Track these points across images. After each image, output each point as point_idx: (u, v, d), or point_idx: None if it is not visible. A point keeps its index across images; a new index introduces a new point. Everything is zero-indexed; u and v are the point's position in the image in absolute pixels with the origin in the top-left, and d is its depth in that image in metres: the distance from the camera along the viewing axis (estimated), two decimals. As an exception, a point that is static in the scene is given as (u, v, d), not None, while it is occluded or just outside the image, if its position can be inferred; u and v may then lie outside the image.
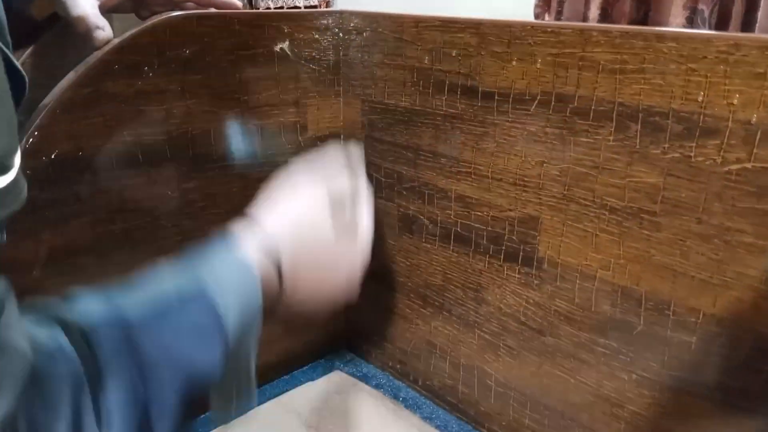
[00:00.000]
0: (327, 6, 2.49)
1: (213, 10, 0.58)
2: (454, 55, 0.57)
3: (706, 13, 1.20)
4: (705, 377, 0.47)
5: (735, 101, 0.41)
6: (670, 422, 0.50)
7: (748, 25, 1.19)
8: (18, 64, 0.39)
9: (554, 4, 1.40)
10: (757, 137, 0.40)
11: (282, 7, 2.37)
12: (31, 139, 0.47)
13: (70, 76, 0.50)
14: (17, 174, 0.28)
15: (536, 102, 0.52)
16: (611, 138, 0.48)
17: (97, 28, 0.51)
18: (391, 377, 0.76)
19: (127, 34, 0.51)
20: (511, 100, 0.54)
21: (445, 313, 0.66)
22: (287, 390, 0.73)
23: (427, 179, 0.63)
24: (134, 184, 0.55)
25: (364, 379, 0.76)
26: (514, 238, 0.57)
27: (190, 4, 0.58)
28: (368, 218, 0.52)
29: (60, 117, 0.49)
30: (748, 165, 0.41)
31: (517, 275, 0.58)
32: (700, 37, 0.42)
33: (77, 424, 0.33)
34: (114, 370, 0.36)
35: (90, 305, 0.39)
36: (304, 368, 0.77)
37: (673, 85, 0.43)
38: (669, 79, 0.43)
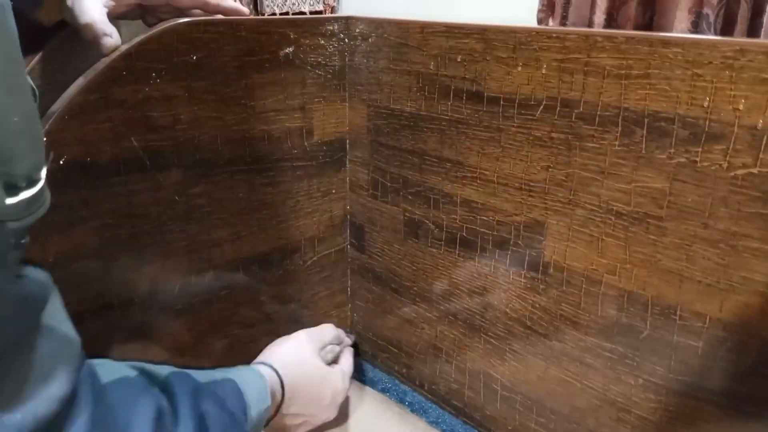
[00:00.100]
0: (332, 12, 2.50)
1: (220, 16, 0.59)
2: (459, 60, 0.57)
3: (712, 18, 1.20)
4: (711, 382, 0.46)
5: (741, 106, 0.41)
6: (677, 427, 0.50)
7: (753, 29, 1.19)
8: (29, 78, 0.39)
9: (559, 9, 1.40)
10: (763, 142, 0.40)
11: (287, 13, 2.38)
12: (39, 145, 0.48)
13: (79, 83, 0.50)
14: (43, 184, 0.33)
15: (542, 107, 0.52)
16: (617, 143, 0.48)
17: (105, 35, 0.51)
18: (396, 381, 0.76)
19: (135, 40, 0.52)
20: (516, 105, 0.54)
21: (450, 317, 0.66)
22: (293, 394, 0.73)
23: (432, 184, 0.63)
24: (141, 189, 0.55)
25: (370, 383, 0.76)
26: (519, 242, 0.57)
27: (196, 11, 0.59)
28: (349, 363, 0.70)
29: (68, 123, 0.49)
30: (754, 170, 0.41)
31: (522, 280, 0.58)
32: (706, 42, 0.42)
33: None
34: (186, 409, 0.44)
35: (158, 366, 0.48)
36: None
37: (679, 91, 0.43)
38: (674, 84, 0.43)
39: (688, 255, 0.46)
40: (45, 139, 0.48)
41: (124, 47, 0.51)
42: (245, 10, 0.61)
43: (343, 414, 0.70)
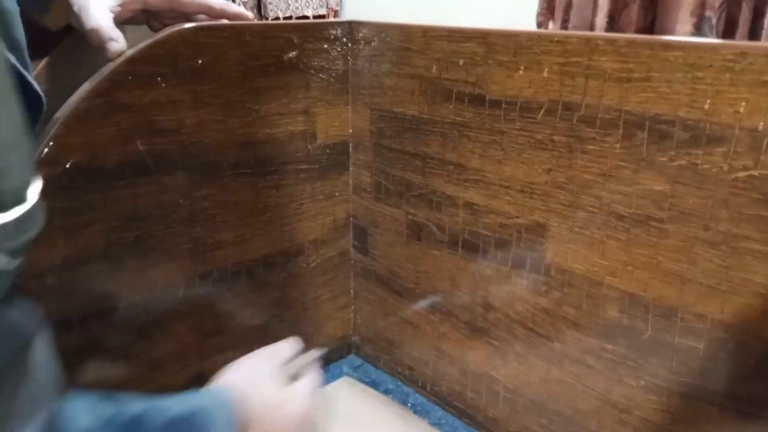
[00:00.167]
0: (335, 15, 2.51)
1: (224, 21, 0.59)
2: (461, 64, 0.57)
3: (714, 20, 1.20)
4: (713, 383, 0.47)
5: (741, 109, 0.41)
6: (679, 428, 0.50)
7: (754, 31, 1.19)
8: (37, 86, 0.40)
9: (560, 13, 1.40)
10: (764, 145, 0.40)
11: (291, 17, 2.39)
12: (46, 149, 0.48)
13: (85, 87, 0.51)
14: (34, 205, 0.30)
15: (543, 110, 0.52)
16: (618, 146, 0.48)
17: (111, 39, 0.51)
18: (399, 383, 0.76)
19: (141, 45, 0.52)
20: (518, 108, 0.54)
21: (453, 319, 0.66)
22: (297, 396, 0.73)
23: (435, 187, 0.64)
24: (146, 193, 0.56)
25: (373, 384, 0.76)
26: (521, 244, 0.57)
27: (201, 15, 0.59)
28: (310, 379, 0.62)
29: (74, 127, 0.50)
30: (755, 172, 0.41)
31: (524, 282, 0.58)
32: (706, 45, 0.42)
33: None
34: None
35: (128, 406, 0.43)
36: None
37: (680, 93, 0.44)
38: (675, 87, 0.44)
39: (689, 257, 0.46)
40: (52, 143, 0.48)
41: (130, 52, 0.52)
42: (250, 14, 0.62)
43: (346, 415, 0.70)
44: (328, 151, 0.70)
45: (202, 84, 0.57)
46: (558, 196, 0.53)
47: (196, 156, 0.58)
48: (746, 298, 0.43)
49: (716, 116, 0.42)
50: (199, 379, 0.65)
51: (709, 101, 0.42)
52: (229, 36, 0.58)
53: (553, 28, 1.44)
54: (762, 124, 0.40)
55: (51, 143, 0.48)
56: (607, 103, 0.48)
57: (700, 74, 0.42)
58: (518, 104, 0.54)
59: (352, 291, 0.79)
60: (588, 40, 0.48)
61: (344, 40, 0.67)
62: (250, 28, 0.59)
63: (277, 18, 2.37)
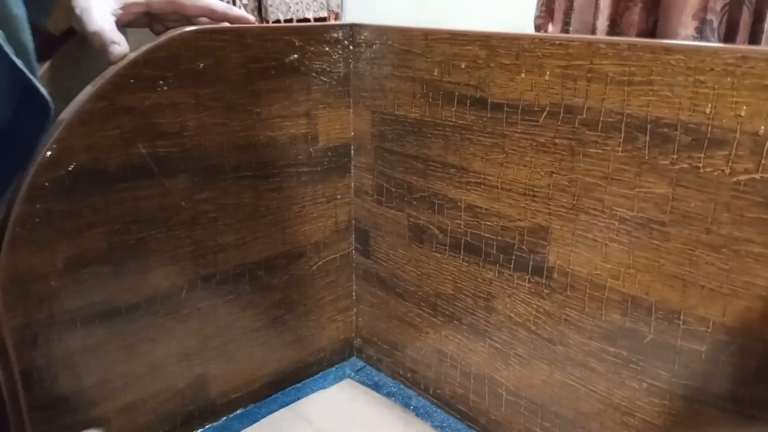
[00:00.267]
0: (336, 18, 2.51)
1: (226, 24, 0.59)
2: (463, 67, 0.58)
3: (715, 24, 1.20)
4: (716, 386, 0.47)
5: (742, 113, 0.41)
6: (681, 431, 0.50)
7: (755, 34, 1.19)
8: (45, 92, 0.39)
9: (560, 16, 1.41)
10: (765, 148, 0.40)
11: (291, 20, 2.39)
12: (49, 152, 0.48)
13: (87, 90, 0.51)
14: None
15: (545, 113, 0.52)
16: (620, 149, 0.48)
17: (113, 42, 0.52)
18: (402, 385, 0.76)
19: (143, 48, 0.52)
20: (520, 111, 0.54)
21: (455, 321, 0.67)
22: (299, 398, 0.73)
23: (436, 189, 0.64)
24: (148, 195, 0.56)
25: (375, 387, 0.76)
26: (523, 247, 0.57)
27: (203, 19, 0.59)
28: None
29: (77, 130, 0.50)
30: (756, 175, 0.41)
31: (527, 284, 0.58)
32: (707, 49, 0.42)
33: None
34: None
35: None
36: (316, 377, 0.78)
37: (681, 97, 0.44)
38: (677, 90, 0.44)
39: (691, 260, 0.46)
40: (54, 146, 0.48)
41: (132, 55, 0.52)
42: (251, 18, 0.62)
43: (348, 418, 0.70)
44: (329, 153, 0.70)
45: (204, 87, 0.57)
46: (560, 199, 0.53)
47: (198, 159, 0.58)
48: (748, 301, 0.43)
49: (718, 120, 0.42)
50: (201, 381, 0.65)
51: (710, 105, 0.42)
52: (230, 39, 0.58)
53: (552, 30, 1.45)
54: (763, 127, 0.40)
55: (53, 146, 0.49)
56: (609, 106, 0.48)
57: (701, 78, 0.43)
58: (520, 107, 0.54)
59: (354, 293, 0.79)
60: (590, 43, 0.48)
61: (345, 42, 0.67)
62: (251, 31, 0.59)
63: (278, 21, 2.37)
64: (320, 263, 0.74)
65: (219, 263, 0.63)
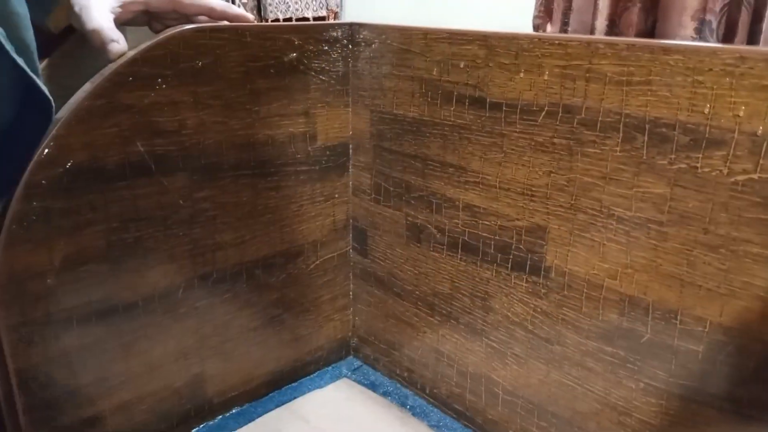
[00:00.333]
0: (335, 17, 2.51)
1: (225, 23, 0.59)
2: (462, 66, 0.58)
3: (714, 24, 1.20)
4: (712, 386, 0.47)
5: (741, 113, 0.41)
6: (678, 430, 0.50)
7: (753, 35, 1.19)
8: (46, 91, 0.39)
9: (559, 16, 1.41)
10: (763, 148, 0.40)
11: (291, 19, 2.39)
12: (47, 150, 0.48)
13: (86, 88, 0.51)
14: None
15: (544, 113, 0.52)
16: (618, 149, 0.48)
17: (112, 41, 0.52)
18: (398, 385, 0.76)
19: (141, 46, 0.52)
20: (518, 111, 0.54)
21: (452, 321, 0.67)
22: (295, 397, 0.73)
23: (435, 189, 0.64)
24: (147, 194, 0.56)
25: (372, 386, 0.76)
26: (521, 247, 0.57)
27: (202, 17, 0.59)
28: None
29: (75, 128, 0.50)
30: (755, 176, 0.41)
31: (524, 284, 0.58)
32: (706, 49, 0.42)
33: None
34: None
35: None
36: (312, 376, 0.78)
37: (680, 97, 0.44)
38: (675, 91, 0.44)
39: (688, 260, 0.46)
40: (52, 143, 0.48)
41: (131, 53, 0.52)
42: (250, 16, 0.62)
43: (345, 417, 0.70)
44: (328, 152, 0.70)
45: (203, 85, 0.57)
46: (558, 199, 0.53)
47: (197, 157, 0.58)
48: (745, 301, 0.44)
49: (716, 120, 0.42)
50: (198, 380, 0.65)
51: (708, 105, 0.43)
52: (229, 37, 0.58)
53: (550, 30, 1.45)
54: (761, 128, 0.40)
55: (51, 143, 0.48)
56: (608, 106, 0.48)
57: (700, 78, 0.43)
58: (519, 107, 0.54)
59: (351, 293, 0.79)
60: (588, 43, 0.48)
61: (344, 41, 0.67)
62: (250, 30, 0.59)
63: (277, 19, 2.37)
64: (318, 262, 0.74)
65: (217, 262, 0.63)
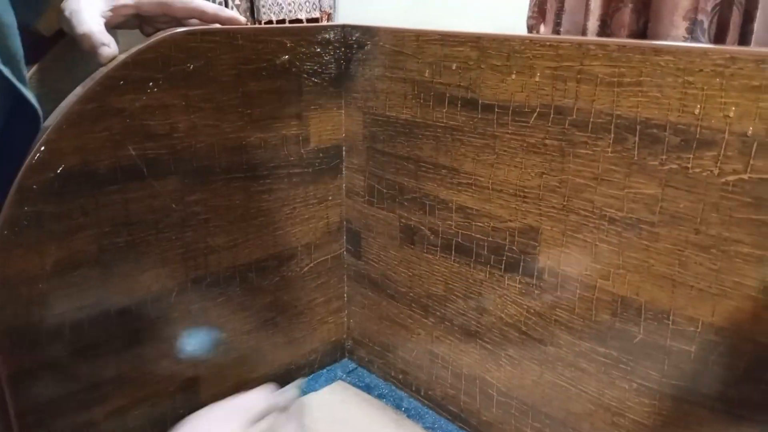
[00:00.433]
0: (329, 19, 2.51)
1: (217, 25, 0.59)
2: (454, 68, 0.58)
3: (706, 24, 1.21)
4: (705, 386, 0.47)
5: (731, 114, 0.41)
6: (671, 430, 0.50)
7: (744, 35, 1.20)
8: (35, 101, 0.39)
9: (551, 17, 1.41)
10: (754, 149, 0.41)
11: (284, 21, 2.39)
12: (38, 154, 0.48)
13: (77, 92, 0.51)
14: None
15: (535, 114, 0.52)
16: (609, 150, 0.48)
17: (103, 44, 0.51)
18: (393, 387, 0.76)
19: (133, 50, 0.52)
20: (510, 112, 0.54)
21: (446, 323, 0.67)
22: (290, 400, 0.73)
23: (428, 190, 0.64)
24: (138, 197, 0.56)
25: (367, 389, 0.76)
26: (514, 248, 0.57)
27: (193, 20, 0.59)
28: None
29: (66, 132, 0.50)
30: (745, 176, 0.41)
31: (517, 285, 0.58)
32: (697, 50, 0.42)
33: None
34: None
35: None
36: (307, 378, 0.78)
37: (670, 98, 0.44)
38: (666, 91, 0.44)
39: (680, 260, 0.46)
40: (43, 148, 0.48)
41: (122, 57, 0.52)
42: (242, 19, 0.61)
43: (339, 419, 0.70)
44: (321, 155, 0.70)
45: (195, 88, 0.57)
46: (550, 200, 0.53)
47: (189, 160, 0.58)
48: (737, 301, 0.44)
49: (706, 120, 0.42)
50: (192, 384, 0.65)
51: (699, 106, 0.43)
52: (221, 40, 0.58)
53: (544, 31, 1.45)
54: (752, 128, 0.41)
55: (42, 148, 0.48)
56: (599, 107, 0.48)
57: (690, 79, 0.43)
58: (510, 108, 0.54)
59: (345, 295, 0.79)
60: (580, 44, 0.48)
61: (337, 44, 0.67)
62: (242, 33, 0.59)
63: (270, 22, 2.37)
64: (311, 265, 0.74)
65: (210, 265, 0.63)
